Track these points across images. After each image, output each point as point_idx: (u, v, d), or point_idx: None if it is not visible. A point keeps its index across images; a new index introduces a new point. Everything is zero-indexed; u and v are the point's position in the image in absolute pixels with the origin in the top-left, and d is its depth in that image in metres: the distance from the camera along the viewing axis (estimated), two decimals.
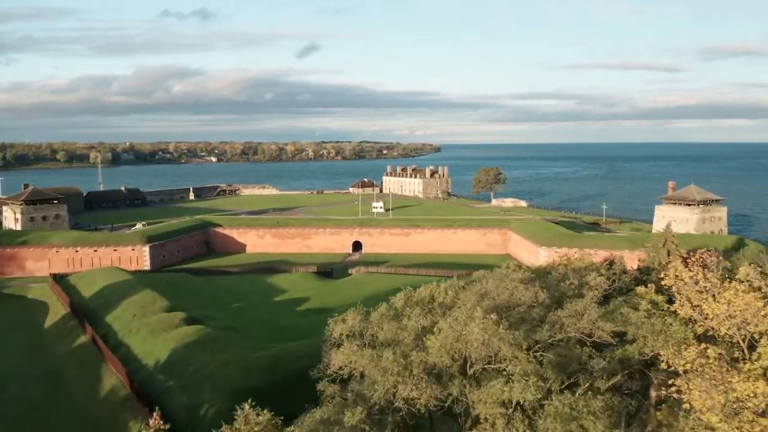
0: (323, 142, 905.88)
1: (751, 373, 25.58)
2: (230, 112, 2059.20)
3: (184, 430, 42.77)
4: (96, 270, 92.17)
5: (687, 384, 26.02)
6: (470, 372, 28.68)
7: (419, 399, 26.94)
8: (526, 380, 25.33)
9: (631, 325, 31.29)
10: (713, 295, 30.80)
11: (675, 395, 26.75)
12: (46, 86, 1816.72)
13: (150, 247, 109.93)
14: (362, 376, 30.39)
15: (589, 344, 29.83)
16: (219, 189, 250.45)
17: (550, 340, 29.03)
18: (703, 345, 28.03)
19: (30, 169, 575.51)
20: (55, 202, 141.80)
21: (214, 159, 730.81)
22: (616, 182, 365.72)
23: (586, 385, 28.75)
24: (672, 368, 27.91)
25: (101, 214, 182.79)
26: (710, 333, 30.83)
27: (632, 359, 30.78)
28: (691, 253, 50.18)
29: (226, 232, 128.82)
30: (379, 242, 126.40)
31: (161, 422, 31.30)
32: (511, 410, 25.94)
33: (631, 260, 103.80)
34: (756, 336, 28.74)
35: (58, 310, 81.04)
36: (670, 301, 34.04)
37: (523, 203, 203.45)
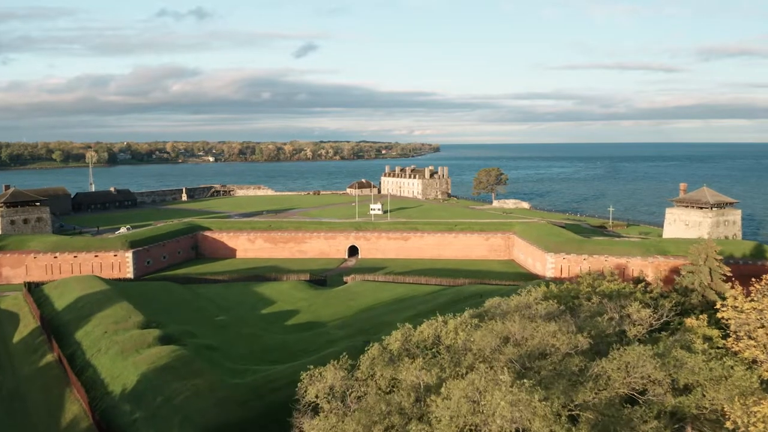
0: (321, 141, 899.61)
1: None
2: (228, 111, 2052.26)
3: None
4: (71, 279, 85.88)
5: None
6: None
7: None
8: None
9: (685, 369, 25.08)
10: None
11: None
12: (43, 86, 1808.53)
13: (133, 252, 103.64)
14: None
15: (641, 402, 23.61)
16: (213, 190, 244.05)
17: (594, 399, 22.61)
18: None
19: (25, 169, 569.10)
20: (38, 204, 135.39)
21: (211, 159, 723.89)
22: (617, 183, 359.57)
23: None
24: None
25: (89, 216, 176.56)
26: None
27: (687, 413, 24.67)
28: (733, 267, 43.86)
29: (216, 236, 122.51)
30: (377, 247, 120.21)
31: None
32: None
33: (645, 267, 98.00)
34: None
35: (28, 322, 74.79)
36: (725, 335, 28.04)
37: (525, 205, 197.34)
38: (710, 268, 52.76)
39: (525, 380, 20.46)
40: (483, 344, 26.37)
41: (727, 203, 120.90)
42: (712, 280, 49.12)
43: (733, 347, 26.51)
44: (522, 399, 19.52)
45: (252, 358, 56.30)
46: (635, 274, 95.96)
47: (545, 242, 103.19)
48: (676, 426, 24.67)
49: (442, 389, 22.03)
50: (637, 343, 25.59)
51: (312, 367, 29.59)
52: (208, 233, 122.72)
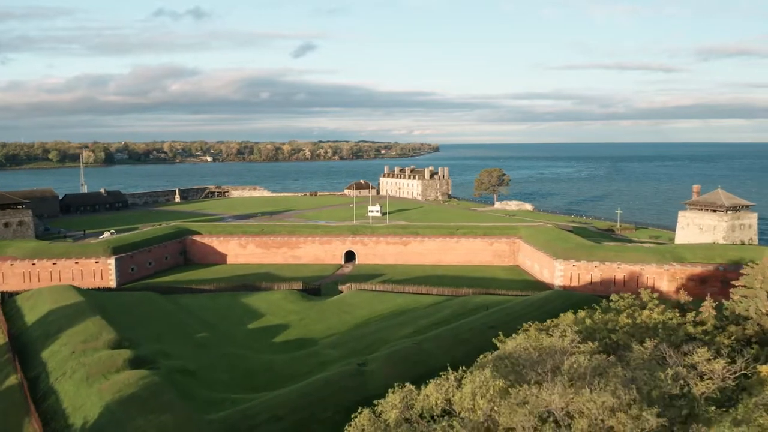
0: (320, 141, 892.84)
1: None
2: (227, 112, 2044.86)
3: None
4: (45, 289, 79.82)
5: None
6: None
7: None
8: None
9: None
10: None
11: None
12: (42, 85, 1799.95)
13: (116, 259, 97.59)
14: None
15: None
16: (207, 191, 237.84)
17: None
18: None
19: (21, 169, 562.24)
20: (21, 206, 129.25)
21: (209, 159, 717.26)
22: (621, 183, 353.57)
23: None
24: None
25: (77, 218, 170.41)
26: None
27: None
28: None
29: (205, 240, 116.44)
30: (375, 252, 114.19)
31: None
32: None
33: (660, 275, 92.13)
34: None
35: None
36: None
37: (528, 206, 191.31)
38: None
39: None
40: (513, 422, 19.77)
41: (742, 206, 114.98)
42: None
43: None
44: None
45: (232, 384, 50.30)
46: (650, 283, 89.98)
47: (553, 248, 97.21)
48: None
49: None
50: (713, 409, 19.66)
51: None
52: (197, 238, 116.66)
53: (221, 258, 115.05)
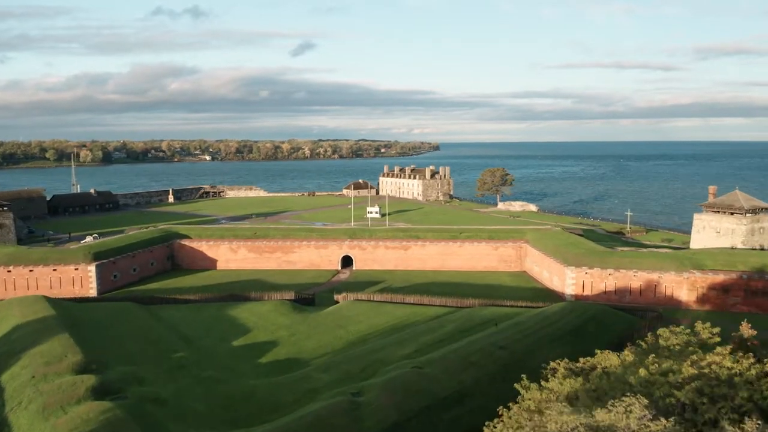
0: (320, 140, 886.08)
1: None
2: (226, 110, 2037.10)
3: None
4: (14, 300, 73.66)
5: None
6: None
7: None
8: None
9: None
10: None
11: None
12: (41, 84, 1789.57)
13: (97, 266, 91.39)
14: None
15: None
16: (202, 191, 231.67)
17: None
18: None
19: (18, 168, 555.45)
20: (2, 208, 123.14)
21: (208, 157, 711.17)
22: (625, 182, 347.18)
23: None
24: None
25: (66, 220, 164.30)
26: None
27: None
28: None
29: (194, 245, 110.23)
30: (374, 257, 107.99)
31: None
32: None
33: (679, 284, 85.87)
34: None
35: None
36: None
37: (532, 207, 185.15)
38: None
39: None
40: None
41: (762, 208, 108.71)
42: None
43: None
44: None
45: (208, 416, 44.12)
46: (669, 292, 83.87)
47: (563, 253, 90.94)
48: None
49: None
50: None
51: None
52: (185, 242, 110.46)
53: (211, 263, 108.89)
